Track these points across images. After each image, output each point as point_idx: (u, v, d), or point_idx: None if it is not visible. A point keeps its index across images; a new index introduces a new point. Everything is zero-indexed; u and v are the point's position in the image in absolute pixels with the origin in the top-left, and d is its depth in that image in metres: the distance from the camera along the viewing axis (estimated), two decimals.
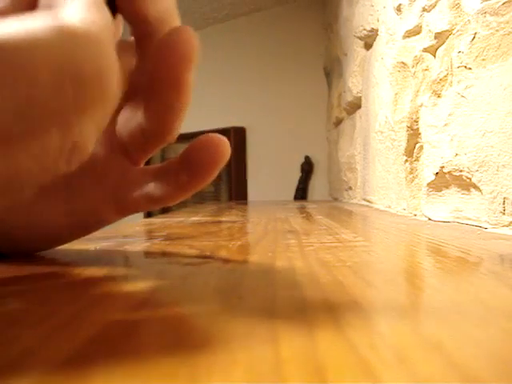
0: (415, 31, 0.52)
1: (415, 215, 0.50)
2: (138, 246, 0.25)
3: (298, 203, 1.06)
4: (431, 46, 0.47)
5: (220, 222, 0.41)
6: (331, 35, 1.45)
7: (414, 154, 0.52)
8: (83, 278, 0.16)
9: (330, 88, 1.53)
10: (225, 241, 0.26)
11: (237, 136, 1.90)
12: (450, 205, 0.41)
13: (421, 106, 0.49)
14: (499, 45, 0.33)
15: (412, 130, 0.52)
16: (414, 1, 0.51)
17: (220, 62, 1.97)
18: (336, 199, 1.36)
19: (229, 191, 1.96)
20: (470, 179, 0.36)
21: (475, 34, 0.35)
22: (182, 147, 0.18)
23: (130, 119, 0.18)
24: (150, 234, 0.28)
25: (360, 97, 0.92)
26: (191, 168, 0.18)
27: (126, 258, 0.20)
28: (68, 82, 0.12)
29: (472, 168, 0.36)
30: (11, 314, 0.11)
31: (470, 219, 0.37)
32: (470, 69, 0.36)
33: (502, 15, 0.32)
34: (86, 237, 0.28)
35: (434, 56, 0.47)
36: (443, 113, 0.42)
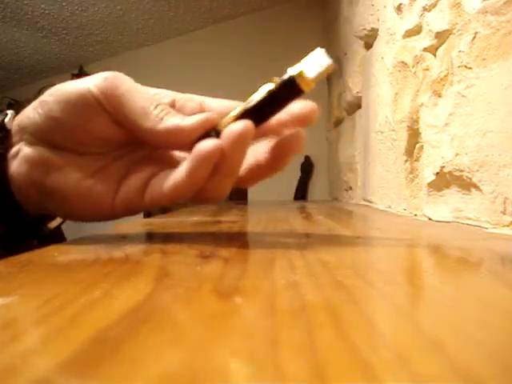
0: (415, 31, 0.52)
1: (415, 215, 0.50)
2: (138, 245, 0.25)
3: (298, 203, 1.06)
4: (431, 46, 0.47)
5: (220, 222, 0.41)
6: (331, 35, 1.45)
7: (415, 154, 0.51)
8: (82, 277, 0.16)
9: (330, 88, 1.53)
10: (225, 241, 0.26)
11: None
12: (450, 205, 0.41)
13: (421, 105, 0.49)
14: (500, 44, 0.33)
15: (412, 129, 0.52)
16: (415, 0, 0.51)
17: (220, 62, 1.97)
18: (336, 199, 1.36)
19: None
20: (471, 179, 0.36)
21: (476, 33, 0.35)
22: None
23: None
24: (149, 234, 0.28)
25: (360, 97, 0.92)
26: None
27: (125, 258, 0.20)
28: None
29: (472, 168, 0.36)
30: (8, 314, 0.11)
31: (470, 219, 0.37)
32: (470, 68, 0.36)
33: (503, 14, 0.32)
34: (86, 236, 0.28)
35: (435, 55, 0.47)
36: (444, 112, 0.42)
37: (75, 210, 0.27)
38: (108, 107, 0.25)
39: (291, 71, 0.22)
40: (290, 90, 0.22)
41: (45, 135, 0.25)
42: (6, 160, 0.26)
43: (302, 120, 0.24)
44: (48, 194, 0.26)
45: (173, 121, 0.24)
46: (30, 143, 0.26)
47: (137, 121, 0.24)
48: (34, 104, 0.26)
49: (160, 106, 0.24)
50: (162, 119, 0.24)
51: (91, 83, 0.25)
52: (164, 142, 0.25)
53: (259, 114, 0.22)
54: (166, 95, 0.28)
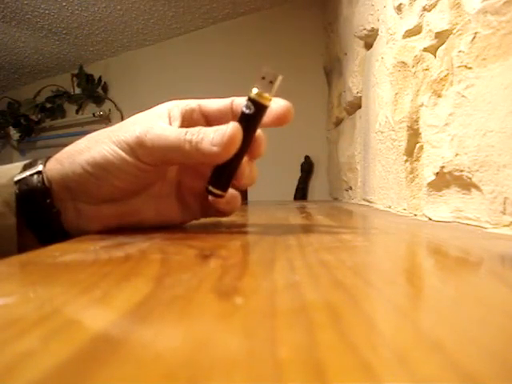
0: (415, 31, 0.52)
1: (415, 215, 0.50)
2: (138, 245, 0.25)
3: (298, 203, 1.06)
4: (431, 46, 0.47)
5: (220, 222, 0.41)
6: (331, 35, 1.45)
7: (415, 154, 0.51)
8: (82, 277, 0.16)
9: (330, 88, 1.52)
10: (225, 241, 0.26)
11: None
12: (450, 205, 0.41)
13: (421, 105, 0.49)
14: (500, 44, 0.33)
15: (412, 129, 0.52)
16: (415, 0, 0.51)
17: (220, 62, 1.97)
18: (336, 199, 1.36)
19: None
20: (471, 179, 0.36)
21: (476, 33, 0.35)
22: None
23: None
24: (149, 234, 0.28)
25: (360, 96, 0.92)
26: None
27: (125, 258, 0.20)
28: None
29: (472, 168, 0.36)
30: (8, 313, 0.11)
31: (470, 219, 0.37)
32: (470, 68, 0.36)
33: (503, 14, 0.32)
34: (86, 236, 0.28)
35: (435, 56, 0.47)
36: (443, 112, 0.42)
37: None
38: (143, 158, 0.28)
39: (253, 95, 0.28)
40: (257, 108, 0.28)
41: (104, 197, 0.30)
42: (62, 215, 0.30)
43: (279, 119, 0.29)
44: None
45: (204, 147, 0.28)
46: (89, 203, 0.30)
47: (177, 158, 0.28)
48: (77, 170, 0.28)
49: (188, 134, 0.28)
50: (196, 146, 0.28)
51: (121, 150, 0.28)
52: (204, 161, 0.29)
53: (246, 127, 0.28)
54: (173, 110, 0.30)
